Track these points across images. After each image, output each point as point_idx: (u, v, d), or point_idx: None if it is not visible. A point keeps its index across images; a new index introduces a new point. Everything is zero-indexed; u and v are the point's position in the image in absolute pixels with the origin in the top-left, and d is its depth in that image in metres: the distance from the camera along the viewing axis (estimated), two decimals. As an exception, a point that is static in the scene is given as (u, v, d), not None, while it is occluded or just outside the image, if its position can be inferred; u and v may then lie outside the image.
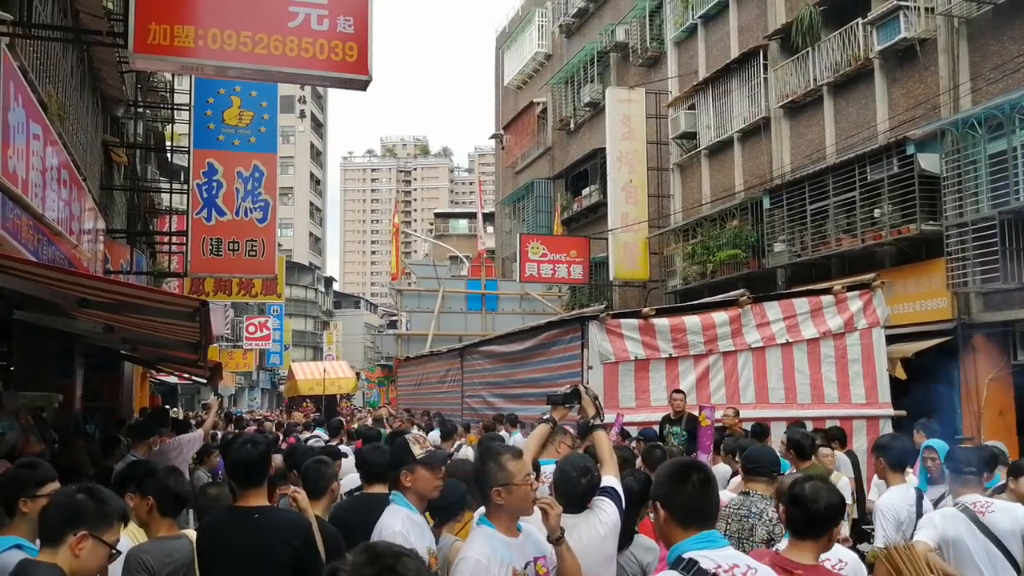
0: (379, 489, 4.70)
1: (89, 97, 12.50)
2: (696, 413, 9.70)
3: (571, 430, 6.07)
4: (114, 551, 3.14)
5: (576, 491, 4.00)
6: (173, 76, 18.64)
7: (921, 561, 3.39)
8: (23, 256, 6.09)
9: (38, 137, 6.82)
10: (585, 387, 4.74)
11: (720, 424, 9.80)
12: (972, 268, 13.00)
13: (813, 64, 17.10)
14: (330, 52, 7.21)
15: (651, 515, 3.30)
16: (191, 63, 7.15)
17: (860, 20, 15.83)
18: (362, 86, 7.41)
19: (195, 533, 4.31)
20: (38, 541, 3.58)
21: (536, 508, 3.61)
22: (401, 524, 3.83)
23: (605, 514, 3.97)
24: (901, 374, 12.80)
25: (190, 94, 14.26)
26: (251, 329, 44.48)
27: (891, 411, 11.62)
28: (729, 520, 4.90)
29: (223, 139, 14.05)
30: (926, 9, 14.65)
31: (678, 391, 10.46)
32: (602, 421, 4.66)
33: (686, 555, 2.79)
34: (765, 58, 18.64)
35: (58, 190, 7.69)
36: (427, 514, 4.27)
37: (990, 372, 13.45)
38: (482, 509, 3.77)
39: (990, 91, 13.41)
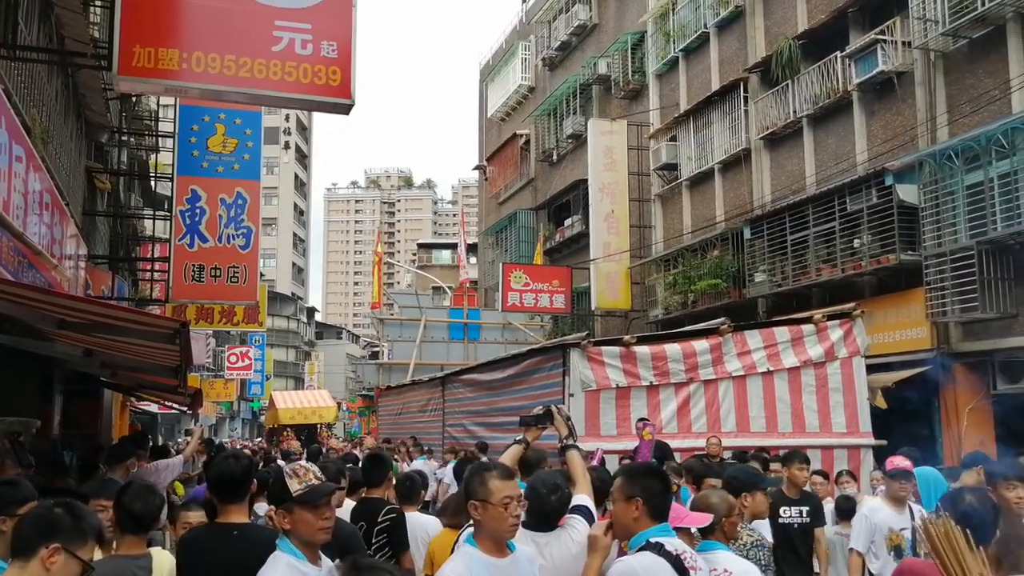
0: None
1: (73, 122, 12.51)
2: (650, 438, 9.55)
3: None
4: (88, 569, 2.97)
5: (547, 508, 3.96)
6: (158, 105, 18.69)
7: (957, 534, 3.38)
8: (2, 276, 6.07)
9: (20, 159, 6.82)
10: (557, 408, 4.74)
11: (704, 452, 9.78)
12: (951, 298, 13.13)
13: (793, 96, 17.31)
14: (313, 76, 7.27)
15: (610, 507, 3.76)
16: (175, 86, 7.20)
17: (839, 53, 16.07)
18: (345, 110, 7.47)
19: (160, 552, 4.25)
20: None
21: (518, 531, 3.59)
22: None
23: (577, 532, 3.93)
24: (882, 403, 12.82)
25: (174, 121, 14.31)
26: (233, 359, 44.31)
27: (872, 440, 11.63)
28: None
29: (207, 166, 14.09)
30: (903, 43, 14.89)
31: (642, 419, 10.34)
32: (575, 441, 4.67)
33: (653, 540, 3.44)
34: (745, 90, 18.87)
35: (40, 214, 7.68)
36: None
37: (970, 401, 13.52)
38: (471, 528, 3.73)
39: (966, 123, 13.61)
